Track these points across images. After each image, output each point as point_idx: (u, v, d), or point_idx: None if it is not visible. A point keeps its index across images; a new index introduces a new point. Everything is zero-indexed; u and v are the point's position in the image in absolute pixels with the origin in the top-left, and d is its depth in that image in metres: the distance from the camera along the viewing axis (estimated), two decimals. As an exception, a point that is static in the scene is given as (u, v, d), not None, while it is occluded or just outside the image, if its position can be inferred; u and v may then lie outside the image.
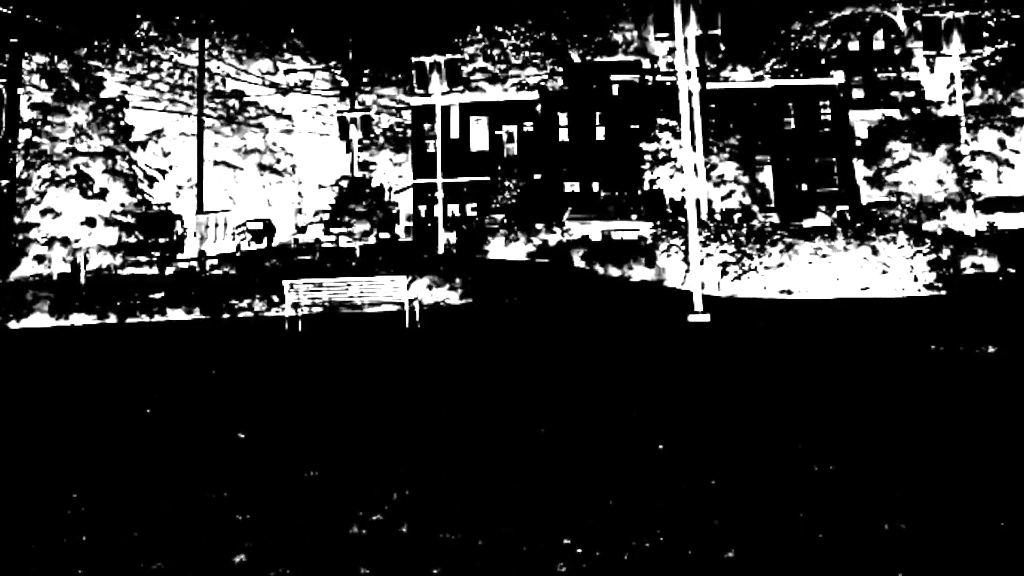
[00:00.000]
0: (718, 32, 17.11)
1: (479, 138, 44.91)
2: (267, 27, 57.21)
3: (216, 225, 41.31)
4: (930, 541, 4.44)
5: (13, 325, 17.69)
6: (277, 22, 58.39)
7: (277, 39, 58.41)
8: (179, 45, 49.67)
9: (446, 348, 12.48)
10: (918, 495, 5.16)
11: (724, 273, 18.57)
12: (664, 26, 15.72)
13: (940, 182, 30.65)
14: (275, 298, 17.36)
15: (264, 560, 4.43)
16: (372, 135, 51.22)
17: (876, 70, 49.18)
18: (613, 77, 44.37)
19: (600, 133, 43.14)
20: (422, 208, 44.60)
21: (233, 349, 13.38)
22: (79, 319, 17.95)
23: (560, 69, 53.02)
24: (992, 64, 36.48)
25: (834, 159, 42.01)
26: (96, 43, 49.37)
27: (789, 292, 17.84)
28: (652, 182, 34.69)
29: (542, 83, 51.81)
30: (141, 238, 24.09)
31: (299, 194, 56.21)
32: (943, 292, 17.14)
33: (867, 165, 33.73)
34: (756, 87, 43.69)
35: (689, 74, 19.24)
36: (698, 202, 20.70)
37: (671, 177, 32.86)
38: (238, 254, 34.76)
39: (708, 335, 12.79)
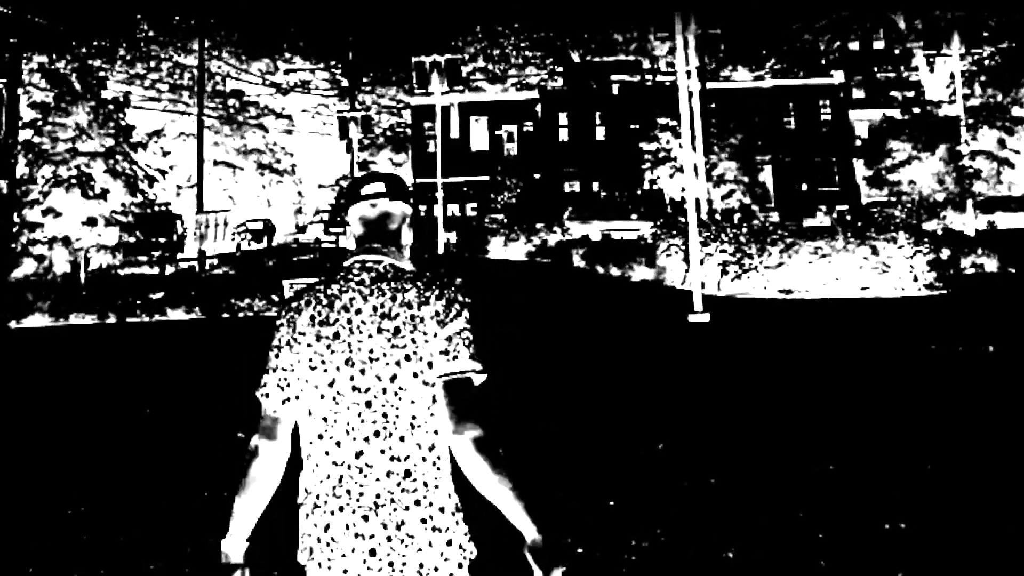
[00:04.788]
0: (718, 32, 17.10)
1: (479, 138, 44.90)
2: (267, 27, 57.21)
3: (216, 225, 41.29)
4: (928, 542, 4.45)
5: (14, 324, 17.71)
6: (277, 22, 58.39)
7: (277, 39, 58.41)
8: (179, 45, 49.70)
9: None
10: (919, 495, 5.16)
11: (724, 273, 18.57)
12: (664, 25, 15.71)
13: (940, 182, 30.67)
14: (275, 298, 17.36)
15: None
16: (372, 135, 51.24)
17: (876, 70, 49.19)
18: (613, 77, 44.36)
19: (600, 133, 43.13)
20: (422, 208, 44.62)
21: (232, 349, 13.38)
22: (79, 319, 17.95)
23: (560, 69, 53.01)
24: (992, 64, 36.48)
25: (834, 159, 42.00)
26: (96, 43, 49.39)
27: (789, 292, 17.84)
28: (652, 182, 34.72)
29: (542, 83, 51.79)
30: (141, 238, 24.12)
31: (299, 194, 56.16)
32: (943, 292, 17.14)
33: (867, 165, 33.77)
34: (756, 87, 43.68)
35: (689, 74, 19.24)
36: (698, 202, 20.71)
37: (671, 177, 32.88)
38: (238, 254, 34.78)
39: (708, 334, 12.79)
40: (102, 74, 26.66)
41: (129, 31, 52.36)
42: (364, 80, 57.82)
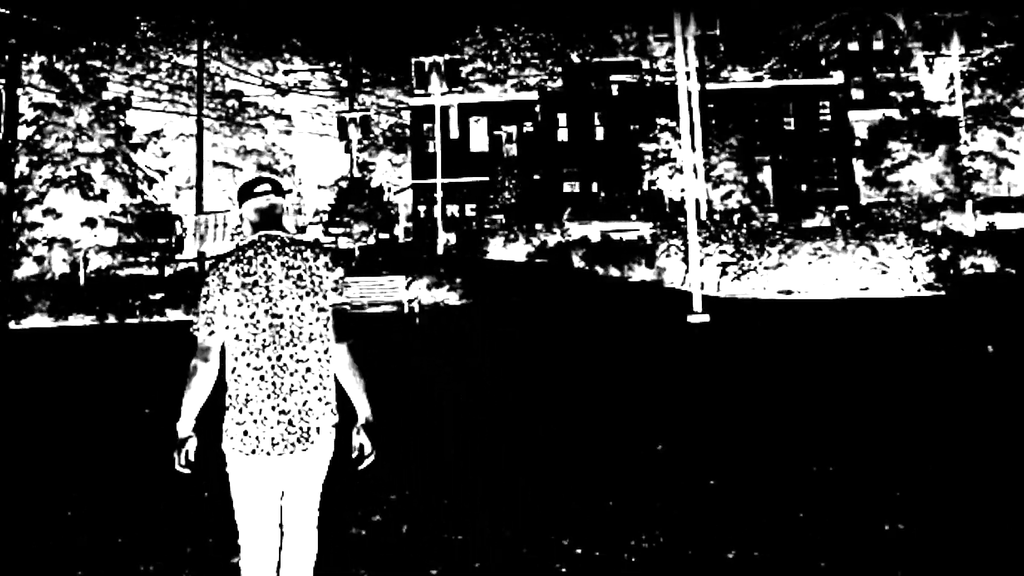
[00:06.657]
0: (717, 33, 17.14)
1: (479, 138, 44.90)
2: (266, 27, 57.19)
3: (215, 226, 41.23)
4: (928, 542, 4.44)
5: (13, 325, 17.69)
6: (276, 22, 58.36)
7: (276, 39, 58.39)
8: (178, 46, 49.67)
9: (444, 347, 12.49)
10: (919, 495, 5.16)
11: (724, 273, 18.57)
12: (664, 26, 15.76)
13: (939, 182, 30.69)
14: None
15: (264, 560, 4.42)
16: (371, 135, 51.24)
17: (876, 70, 49.21)
18: (613, 77, 44.36)
19: (600, 133, 43.13)
20: (422, 208, 44.60)
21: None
22: (79, 319, 17.95)
23: (560, 69, 53.00)
24: (992, 64, 36.48)
25: (834, 159, 42.01)
26: (96, 43, 49.32)
27: (788, 292, 17.84)
28: (652, 182, 34.75)
29: (542, 83, 51.81)
30: (141, 239, 24.11)
31: (298, 194, 56.14)
32: (942, 292, 17.14)
33: (867, 165, 33.78)
34: (756, 87, 43.68)
35: (689, 74, 19.24)
36: (697, 202, 20.73)
37: (671, 177, 32.90)
38: (237, 255, 34.58)
39: (707, 335, 12.79)
40: (102, 75, 26.62)
41: (128, 32, 52.36)
42: (363, 81, 57.81)
